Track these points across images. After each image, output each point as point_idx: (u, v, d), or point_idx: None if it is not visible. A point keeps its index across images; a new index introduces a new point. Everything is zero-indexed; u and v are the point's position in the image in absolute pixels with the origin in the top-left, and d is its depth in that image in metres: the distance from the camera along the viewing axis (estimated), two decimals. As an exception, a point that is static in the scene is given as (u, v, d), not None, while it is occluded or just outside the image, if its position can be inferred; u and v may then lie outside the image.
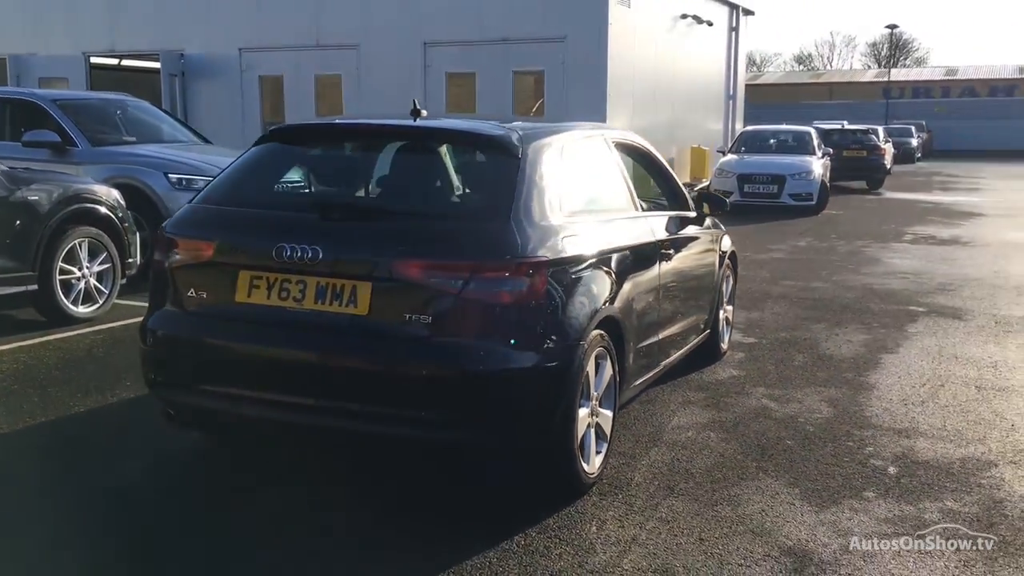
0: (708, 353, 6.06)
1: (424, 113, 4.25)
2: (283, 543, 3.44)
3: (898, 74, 57.30)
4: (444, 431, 3.49)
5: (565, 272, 3.71)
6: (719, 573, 3.27)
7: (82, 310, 6.95)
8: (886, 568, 3.33)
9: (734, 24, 25.48)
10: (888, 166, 25.75)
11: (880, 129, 26.40)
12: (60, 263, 6.75)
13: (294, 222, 3.72)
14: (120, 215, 7.33)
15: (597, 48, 17.65)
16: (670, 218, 5.23)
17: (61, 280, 6.79)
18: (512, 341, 3.48)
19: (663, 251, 4.88)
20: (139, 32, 21.22)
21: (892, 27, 54.43)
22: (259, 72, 20.77)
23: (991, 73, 56.51)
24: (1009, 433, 4.82)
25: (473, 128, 4.36)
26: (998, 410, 5.21)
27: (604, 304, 3.94)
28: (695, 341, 5.68)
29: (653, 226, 4.90)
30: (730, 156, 18.47)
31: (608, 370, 4.04)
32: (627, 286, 4.26)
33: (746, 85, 29.04)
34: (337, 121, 4.80)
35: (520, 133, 4.01)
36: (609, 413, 4.11)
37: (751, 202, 16.57)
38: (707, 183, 18.65)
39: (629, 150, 5.24)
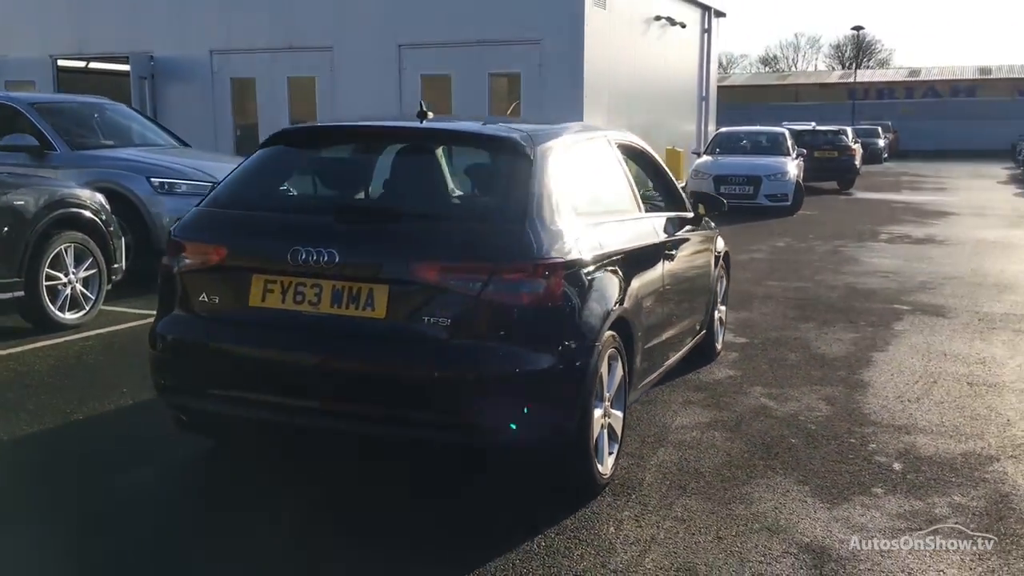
0: (703, 353, 6.10)
1: (430, 115, 4.25)
2: (303, 545, 3.41)
3: (863, 75, 58.03)
4: (464, 433, 3.49)
5: (579, 274, 3.71)
6: (741, 571, 3.29)
7: (69, 316, 6.83)
8: (904, 563, 3.37)
9: (707, 26, 25.62)
10: (858, 166, 26.06)
11: (849, 130, 26.69)
12: (46, 269, 6.64)
13: (308, 225, 3.70)
14: (105, 219, 7.22)
15: (573, 50, 17.63)
16: (670, 219, 5.26)
17: (47, 286, 6.67)
18: (530, 343, 3.48)
19: (667, 252, 4.91)
20: (108, 34, 20.88)
21: (858, 28, 55.19)
22: (230, 74, 20.56)
23: (953, 74, 57.51)
24: (1005, 428, 4.90)
25: (483, 130, 4.36)
26: (991, 405, 5.30)
27: (615, 305, 3.96)
28: (693, 342, 5.71)
29: (656, 227, 4.94)
30: (705, 157, 18.58)
31: (619, 371, 4.05)
32: (635, 287, 4.27)
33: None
34: (345, 123, 4.78)
35: (529, 135, 4.01)
36: (620, 414, 4.12)
37: (727, 203, 16.63)
38: (683, 184, 18.73)
39: (629, 151, 5.27)
